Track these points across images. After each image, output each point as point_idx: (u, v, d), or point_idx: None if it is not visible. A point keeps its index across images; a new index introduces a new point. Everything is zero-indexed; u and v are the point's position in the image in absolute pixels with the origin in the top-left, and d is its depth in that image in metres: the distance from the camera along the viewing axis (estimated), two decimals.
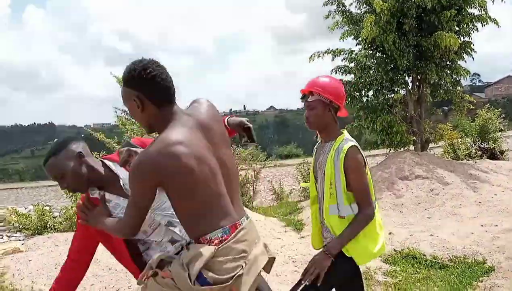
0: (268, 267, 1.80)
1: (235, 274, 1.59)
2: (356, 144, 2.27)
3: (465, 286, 4.04)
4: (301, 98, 2.40)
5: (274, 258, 1.84)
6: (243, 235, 1.66)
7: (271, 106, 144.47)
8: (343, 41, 10.03)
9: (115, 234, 1.78)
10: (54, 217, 6.61)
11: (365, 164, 2.27)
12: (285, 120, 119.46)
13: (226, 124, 2.18)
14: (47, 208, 6.51)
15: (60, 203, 10.98)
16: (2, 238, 5.88)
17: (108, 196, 1.96)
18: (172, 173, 1.57)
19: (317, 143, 2.50)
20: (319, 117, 2.31)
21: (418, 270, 4.75)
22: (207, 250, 1.57)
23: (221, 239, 1.61)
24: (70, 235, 6.06)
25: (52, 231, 6.20)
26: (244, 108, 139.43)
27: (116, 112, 10.35)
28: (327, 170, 2.27)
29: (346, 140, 2.29)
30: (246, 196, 10.30)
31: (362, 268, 4.58)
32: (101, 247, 4.92)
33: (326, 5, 10.51)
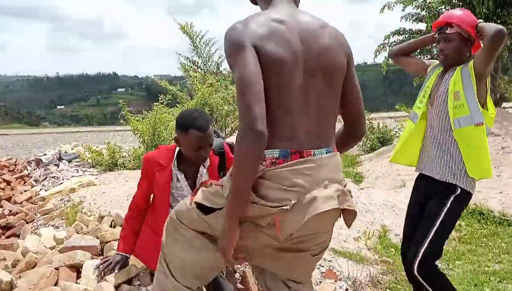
0: (347, 220, 1.47)
1: (280, 206, 1.33)
2: None
3: None
4: (437, 29, 2.31)
5: (353, 211, 1.45)
6: (307, 168, 1.36)
7: None
8: None
9: (244, 145, 1.29)
10: (123, 156, 6.98)
11: None
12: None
13: None
14: (117, 147, 6.86)
15: (126, 145, 11.54)
16: (77, 172, 6.31)
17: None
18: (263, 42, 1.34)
19: (437, 68, 2.40)
20: (457, 50, 2.23)
21: (484, 226, 4.59)
22: None
23: (274, 161, 1.36)
24: (138, 173, 6.38)
25: (122, 168, 6.57)
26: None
27: (179, 59, 10.59)
28: (451, 83, 2.21)
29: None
30: None
31: None
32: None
33: None
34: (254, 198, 1.35)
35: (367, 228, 4.29)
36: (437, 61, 2.45)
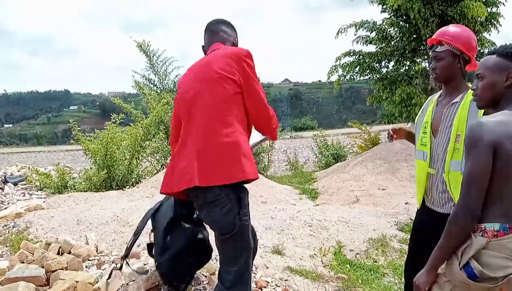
0: None
1: (508, 275, 1.50)
2: None
3: None
4: (429, 48, 2.28)
5: None
6: None
7: (286, 78, 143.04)
8: (372, 4, 9.77)
9: (461, 223, 1.61)
10: (74, 178, 6.73)
11: None
12: (299, 93, 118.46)
13: None
14: (67, 168, 6.61)
15: (77, 166, 11.12)
16: (24, 195, 6.01)
17: None
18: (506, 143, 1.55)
19: (436, 95, 2.38)
20: (447, 69, 2.18)
21: None
22: (478, 240, 1.56)
23: (496, 233, 1.56)
24: (89, 195, 6.20)
25: (72, 190, 6.32)
26: (258, 80, 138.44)
27: (133, 76, 10.42)
28: (455, 122, 2.14)
29: None
30: (261, 164, 10.34)
31: (377, 235, 4.61)
32: (121, 206, 4.97)
33: None
34: (481, 272, 1.54)
35: (323, 244, 4.33)
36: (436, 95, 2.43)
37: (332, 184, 7.95)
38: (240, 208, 2.07)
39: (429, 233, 2.29)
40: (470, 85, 2.17)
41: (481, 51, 10.28)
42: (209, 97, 2.09)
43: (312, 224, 4.94)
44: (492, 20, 9.77)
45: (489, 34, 10.04)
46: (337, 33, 10.18)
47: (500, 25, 9.90)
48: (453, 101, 2.20)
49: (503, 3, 9.81)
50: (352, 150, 11.74)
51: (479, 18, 8.77)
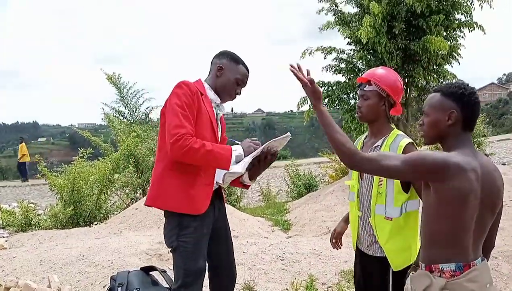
0: None
1: None
2: (412, 141, 2.16)
3: None
4: (357, 87, 2.33)
5: None
6: (476, 276, 1.64)
7: (259, 108, 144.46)
8: (341, 36, 10.04)
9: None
10: (39, 215, 6.50)
11: None
12: (272, 123, 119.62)
13: None
14: (32, 205, 6.39)
15: (44, 201, 10.79)
16: None
17: None
18: (458, 179, 1.58)
19: (362, 137, 2.41)
20: (372, 109, 2.21)
21: None
22: (438, 281, 1.62)
23: (453, 273, 1.63)
24: (54, 232, 5.98)
25: (36, 228, 6.09)
26: (232, 111, 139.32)
27: (103, 109, 10.32)
28: None
29: (402, 136, 2.20)
30: (233, 195, 10.27)
31: (349, 267, 4.61)
32: (87, 245, 4.83)
33: (320, 1, 10.49)
34: None
35: (295, 279, 4.29)
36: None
37: (304, 215, 7.95)
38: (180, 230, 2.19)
39: (361, 274, 2.35)
40: (393, 127, 2.28)
41: (443, 83, 10.70)
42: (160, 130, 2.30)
43: (284, 257, 4.90)
44: (453, 53, 10.22)
45: (451, 66, 10.49)
46: (303, 54, 10.32)
47: (461, 57, 10.36)
48: (375, 145, 2.24)
49: (462, 37, 10.29)
50: (323, 179, 11.83)
51: (440, 52, 9.16)
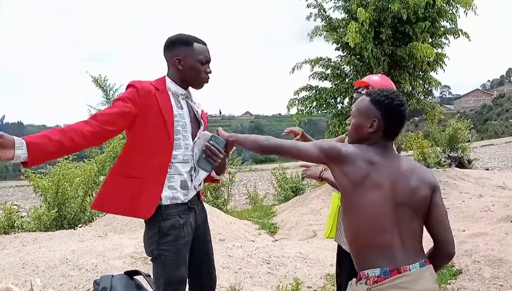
0: None
1: None
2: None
3: None
4: (354, 90, 2.47)
5: None
6: (404, 282, 1.54)
7: (247, 111, 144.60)
8: (328, 42, 10.14)
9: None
10: (22, 217, 6.41)
11: None
12: (260, 125, 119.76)
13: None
14: (15, 207, 6.29)
15: (28, 203, 10.64)
16: None
17: None
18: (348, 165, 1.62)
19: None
20: None
21: None
22: (359, 288, 1.59)
23: (376, 279, 1.56)
24: (38, 235, 5.90)
25: (19, 230, 6.00)
26: (220, 113, 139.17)
27: (89, 111, 10.22)
28: None
29: None
30: (220, 199, 10.26)
31: (334, 270, 4.63)
32: (71, 247, 4.78)
33: (309, 7, 10.63)
34: None
35: (280, 282, 4.30)
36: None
37: (291, 218, 7.98)
38: (160, 238, 2.11)
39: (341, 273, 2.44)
40: None
41: (429, 89, 10.87)
42: None
43: (270, 261, 4.91)
44: (439, 61, 10.40)
45: (436, 73, 10.68)
46: (292, 69, 10.49)
47: (446, 64, 10.56)
48: None
49: (447, 44, 10.50)
50: (310, 183, 11.90)
51: (426, 59, 9.30)
